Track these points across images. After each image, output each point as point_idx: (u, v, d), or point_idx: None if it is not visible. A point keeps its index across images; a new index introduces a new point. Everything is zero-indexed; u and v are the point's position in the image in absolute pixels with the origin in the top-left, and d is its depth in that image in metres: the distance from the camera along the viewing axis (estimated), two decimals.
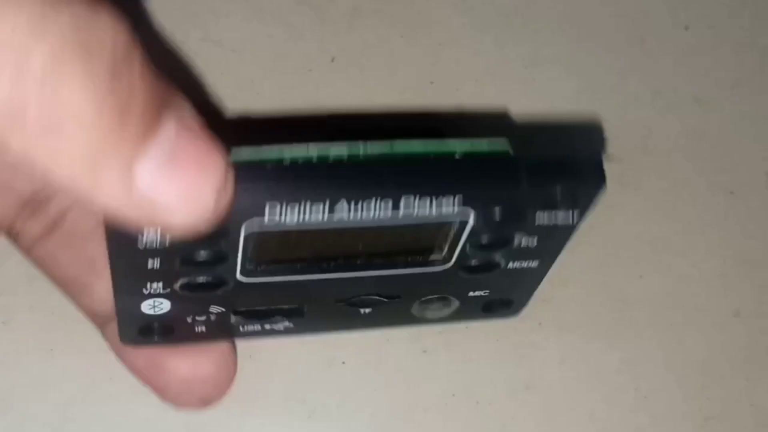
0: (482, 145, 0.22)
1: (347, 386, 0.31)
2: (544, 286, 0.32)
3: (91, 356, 0.30)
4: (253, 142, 0.21)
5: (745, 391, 0.32)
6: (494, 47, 0.35)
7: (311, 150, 0.21)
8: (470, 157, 0.22)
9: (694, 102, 0.35)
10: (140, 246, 0.21)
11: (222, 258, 0.22)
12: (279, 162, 0.21)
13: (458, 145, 0.22)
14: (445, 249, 0.24)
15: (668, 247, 0.33)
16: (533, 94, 0.34)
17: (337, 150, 0.21)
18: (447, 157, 0.22)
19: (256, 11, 0.34)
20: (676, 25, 0.36)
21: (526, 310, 0.32)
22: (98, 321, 0.28)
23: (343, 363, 0.31)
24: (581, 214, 0.23)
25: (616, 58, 0.35)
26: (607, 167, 0.23)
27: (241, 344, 0.31)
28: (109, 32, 0.16)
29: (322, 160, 0.21)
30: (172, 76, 0.34)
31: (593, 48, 0.35)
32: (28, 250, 0.27)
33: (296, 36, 0.34)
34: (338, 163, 0.21)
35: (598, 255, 0.32)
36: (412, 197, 0.21)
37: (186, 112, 0.18)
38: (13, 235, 0.26)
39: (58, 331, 0.30)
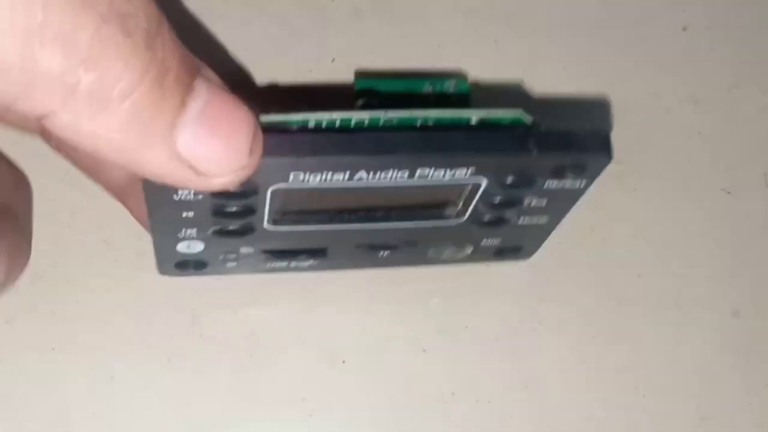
0: (497, 114, 0.23)
1: (347, 386, 0.31)
2: (543, 286, 0.32)
3: (91, 356, 0.30)
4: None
5: (743, 390, 0.32)
6: (494, 47, 0.35)
7: (334, 116, 0.22)
8: (484, 127, 0.23)
9: (692, 102, 0.35)
10: (176, 198, 0.23)
11: (251, 211, 0.24)
12: (303, 126, 0.22)
13: (474, 114, 0.23)
14: (459, 205, 0.25)
15: (667, 246, 0.33)
16: (532, 95, 0.35)
17: (359, 117, 0.22)
18: (462, 128, 0.23)
19: (256, 11, 0.34)
20: (674, 26, 0.36)
21: (526, 310, 0.32)
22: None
23: (343, 362, 0.31)
24: (588, 183, 0.25)
25: (615, 58, 0.35)
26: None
27: (241, 343, 0.31)
28: (140, 3, 0.17)
29: (345, 126, 0.22)
30: None
31: (592, 48, 0.35)
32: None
33: (296, 36, 0.34)
34: (359, 131, 0.22)
35: (597, 254, 0.33)
36: (427, 169, 0.22)
37: (212, 75, 0.19)
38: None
39: (58, 331, 0.30)
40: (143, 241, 0.31)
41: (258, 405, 0.30)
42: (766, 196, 0.34)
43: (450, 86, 0.29)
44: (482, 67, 0.34)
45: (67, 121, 0.17)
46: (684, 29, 0.36)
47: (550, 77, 0.35)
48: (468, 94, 0.29)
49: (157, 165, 0.18)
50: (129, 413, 0.30)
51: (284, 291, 0.31)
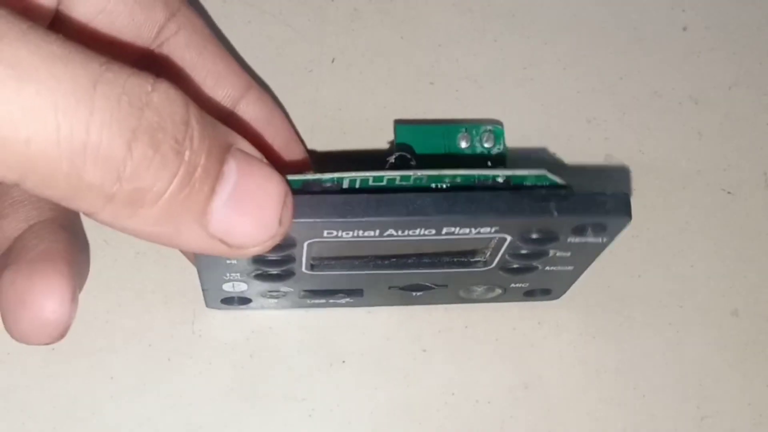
0: (522, 173, 0.25)
1: (347, 386, 0.31)
2: None
3: (91, 356, 0.30)
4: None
5: (743, 390, 0.32)
6: (494, 47, 0.35)
7: (367, 175, 0.24)
8: (509, 187, 0.24)
9: (692, 102, 0.35)
10: None
11: (290, 259, 0.25)
12: (338, 183, 0.24)
13: (500, 174, 0.25)
14: (487, 255, 0.27)
15: (667, 246, 0.33)
16: (533, 95, 0.35)
17: (390, 176, 0.24)
18: (487, 188, 0.24)
19: (256, 11, 0.34)
20: (674, 26, 0.36)
21: (526, 310, 0.32)
22: None
23: (343, 363, 0.31)
24: (610, 239, 0.26)
25: (615, 58, 0.35)
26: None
27: (241, 343, 0.31)
28: (167, 110, 0.18)
29: (377, 183, 0.24)
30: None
31: (592, 48, 0.35)
32: None
33: (296, 36, 0.34)
34: (387, 192, 0.23)
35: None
36: (452, 228, 0.24)
37: (240, 143, 0.20)
38: None
39: None
40: (143, 240, 0.31)
41: (258, 405, 0.30)
42: (766, 196, 0.34)
43: (485, 138, 0.30)
44: (482, 67, 0.35)
45: (107, 220, 0.19)
46: (684, 29, 0.36)
47: (550, 77, 0.35)
48: (504, 155, 0.31)
49: (193, 245, 0.20)
50: (129, 413, 0.30)
51: None
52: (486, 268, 0.27)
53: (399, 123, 0.32)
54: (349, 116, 0.33)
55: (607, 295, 0.33)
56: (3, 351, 0.30)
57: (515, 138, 0.33)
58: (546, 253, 0.27)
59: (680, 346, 0.32)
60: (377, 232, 0.24)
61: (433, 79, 0.34)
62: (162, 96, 0.18)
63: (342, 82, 0.34)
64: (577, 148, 0.34)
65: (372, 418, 0.31)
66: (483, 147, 0.30)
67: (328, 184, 0.24)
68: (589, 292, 0.32)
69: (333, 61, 0.34)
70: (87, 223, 0.31)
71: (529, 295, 0.31)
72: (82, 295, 0.30)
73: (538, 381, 0.31)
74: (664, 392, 0.32)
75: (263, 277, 0.27)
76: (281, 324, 0.31)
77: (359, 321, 0.31)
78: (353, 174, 0.24)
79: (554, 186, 0.25)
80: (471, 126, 0.31)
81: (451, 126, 0.31)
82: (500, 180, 0.25)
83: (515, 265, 0.27)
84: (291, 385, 0.31)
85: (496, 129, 0.31)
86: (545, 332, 0.32)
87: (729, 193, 0.34)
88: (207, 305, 0.30)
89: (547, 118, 0.34)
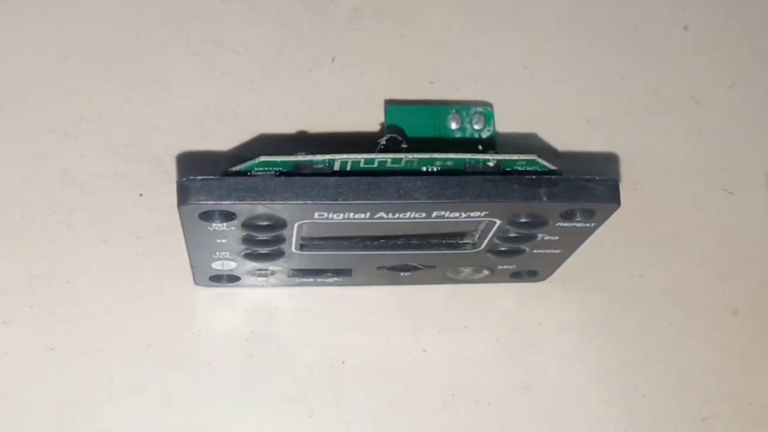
0: (513, 158, 0.25)
1: (347, 386, 0.31)
2: (543, 286, 0.32)
3: (91, 356, 0.30)
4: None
5: (743, 390, 0.32)
6: (494, 47, 0.35)
7: (359, 157, 0.24)
8: (499, 172, 0.25)
9: (693, 102, 0.35)
10: (210, 228, 0.25)
11: (280, 239, 0.26)
12: (330, 165, 0.24)
13: (491, 158, 0.25)
14: (476, 237, 0.27)
15: (667, 246, 0.33)
16: (533, 95, 0.35)
17: (381, 158, 0.24)
18: (478, 172, 0.24)
19: (256, 11, 0.34)
20: (674, 26, 0.36)
21: (526, 310, 0.32)
22: None
23: (343, 363, 0.31)
24: (598, 224, 0.26)
25: (615, 58, 0.35)
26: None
27: (241, 343, 0.31)
28: None
29: (368, 166, 0.24)
30: (172, 76, 0.34)
31: (593, 48, 0.35)
32: None
33: (296, 36, 0.34)
34: (378, 176, 0.23)
35: (597, 254, 0.33)
36: (443, 212, 0.24)
37: None
38: None
39: (58, 331, 0.30)
40: (143, 240, 0.31)
41: (258, 405, 0.30)
42: (766, 196, 0.34)
43: (475, 119, 0.30)
44: (482, 67, 0.34)
45: None
46: (685, 29, 0.36)
47: (550, 77, 0.35)
48: (494, 138, 0.30)
49: None
50: (129, 413, 0.30)
51: (284, 291, 0.31)
52: (474, 251, 0.28)
53: (389, 103, 0.32)
54: (349, 116, 0.33)
55: (607, 295, 0.33)
56: (3, 351, 0.30)
57: (515, 137, 0.33)
58: (534, 237, 0.27)
59: (680, 346, 0.32)
60: (368, 214, 0.24)
61: (433, 78, 0.34)
62: None
63: (342, 82, 0.34)
64: (577, 148, 0.34)
65: (372, 418, 0.31)
66: (473, 128, 0.30)
67: (320, 166, 0.24)
68: (589, 293, 0.32)
69: (333, 61, 0.34)
70: (87, 223, 0.31)
71: (516, 276, 0.31)
72: (82, 295, 0.30)
73: (538, 381, 0.31)
74: (664, 392, 0.32)
75: (253, 256, 0.27)
76: (281, 324, 0.31)
77: (359, 321, 0.31)
78: (344, 156, 0.24)
79: (544, 171, 0.25)
80: (461, 107, 0.31)
81: (442, 107, 0.31)
82: (491, 164, 0.25)
83: (503, 248, 0.28)
84: (291, 385, 0.31)
85: (486, 111, 0.31)
86: (545, 332, 0.32)
87: (729, 193, 0.34)
88: (195, 283, 0.30)
89: (547, 117, 0.34)
